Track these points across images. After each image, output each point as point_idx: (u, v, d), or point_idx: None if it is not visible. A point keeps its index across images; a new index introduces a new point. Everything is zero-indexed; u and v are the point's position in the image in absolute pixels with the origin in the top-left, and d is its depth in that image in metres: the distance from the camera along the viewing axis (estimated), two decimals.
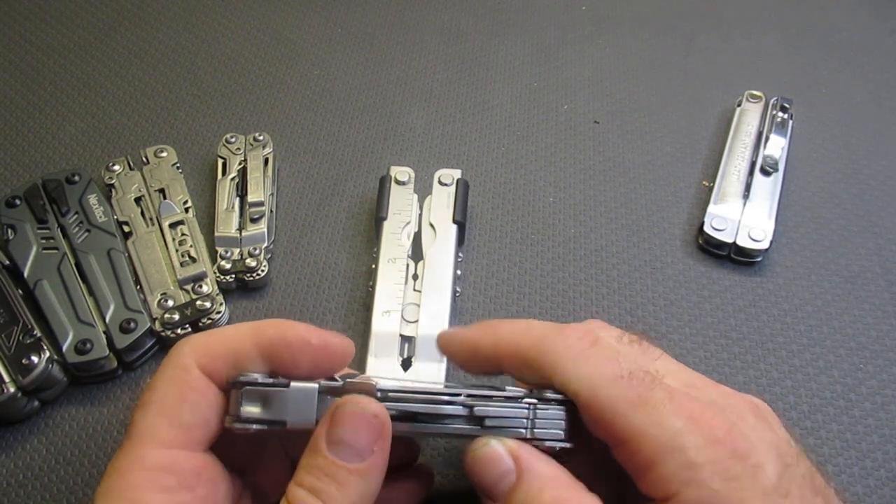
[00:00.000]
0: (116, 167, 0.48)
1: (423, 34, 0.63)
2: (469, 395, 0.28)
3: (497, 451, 0.27)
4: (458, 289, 0.45)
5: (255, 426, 0.26)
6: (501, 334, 0.30)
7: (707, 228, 0.47)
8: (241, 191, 0.48)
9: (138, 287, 0.43)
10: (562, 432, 0.28)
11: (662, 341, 0.43)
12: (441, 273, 0.43)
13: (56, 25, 0.62)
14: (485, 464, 0.27)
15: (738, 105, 0.55)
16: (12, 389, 0.37)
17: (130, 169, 0.49)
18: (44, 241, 0.44)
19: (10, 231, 0.44)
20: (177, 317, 0.42)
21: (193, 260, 0.44)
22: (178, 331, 0.42)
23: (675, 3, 0.66)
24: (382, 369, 0.40)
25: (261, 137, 0.50)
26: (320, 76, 0.59)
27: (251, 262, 0.44)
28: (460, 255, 0.46)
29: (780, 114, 0.53)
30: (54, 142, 0.53)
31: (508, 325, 0.31)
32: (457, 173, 0.47)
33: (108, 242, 0.44)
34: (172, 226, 0.46)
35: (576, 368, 0.28)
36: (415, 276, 0.43)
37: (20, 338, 0.39)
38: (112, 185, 0.47)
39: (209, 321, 0.42)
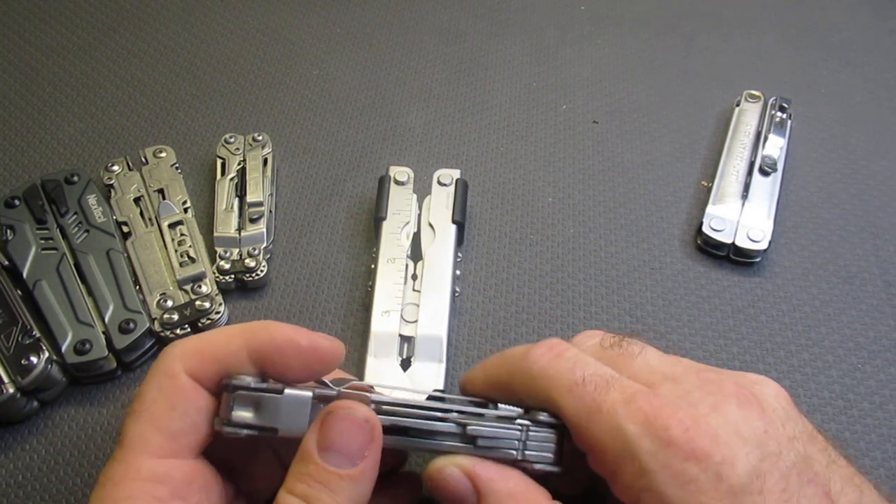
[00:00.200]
0: (115, 167, 0.48)
1: (421, 34, 0.63)
2: (462, 413, 0.28)
3: (453, 475, 0.27)
4: (457, 289, 0.45)
5: (245, 431, 0.26)
6: (488, 371, 0.31)
7: (706, 229, 0.47)
8: (240, 191, 0.48)
9: (137, 287, 0.43)
10: (552, 455, 0.28)
11: (661, 341, 0.43)
12: (440, 273, 0.43)
13: (55, 25, 0.62)
14: (443, 488, 0.27)
15: (737, 105, 0.55)
16: (11, 390, 0.37)
17: (129, 169, 0.49)
18: (43, 242, 0.44)
19: (9, 231, 0.44)
20: (176, 317, 0.42)
21: (192, 260, 0.44)
22: (178, 331, 0.42)
23: (675, 3, 0.66)
24: (381, 369, 0.40)
25: (260, 137, 0.50)
26: (319, 76, 0.59)
27: (250, 263, 0.44)
28: (459, 255, 0.46)
29: (779, 114, 0.53)
30: (53, 142, 0.53)
31: (490, 360, 0.31)
32: (456, 173, 0.47)
33: (108, 243, 0.44)
34: (171, 226, 0.46)
35: (538, 383, 0.28)
36: (414, 276, 0.43)
37: (19, 338, 0.39)
38: (111, 186, 0.47)
39: (208, 321, 0.42)
